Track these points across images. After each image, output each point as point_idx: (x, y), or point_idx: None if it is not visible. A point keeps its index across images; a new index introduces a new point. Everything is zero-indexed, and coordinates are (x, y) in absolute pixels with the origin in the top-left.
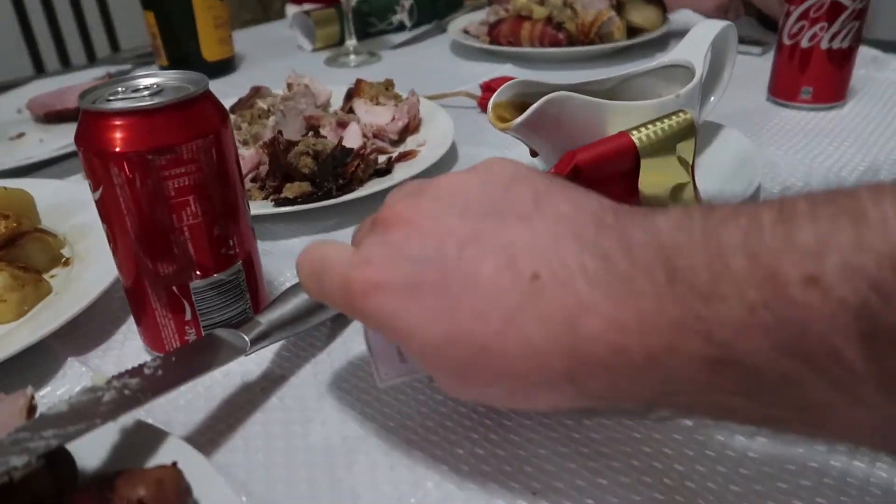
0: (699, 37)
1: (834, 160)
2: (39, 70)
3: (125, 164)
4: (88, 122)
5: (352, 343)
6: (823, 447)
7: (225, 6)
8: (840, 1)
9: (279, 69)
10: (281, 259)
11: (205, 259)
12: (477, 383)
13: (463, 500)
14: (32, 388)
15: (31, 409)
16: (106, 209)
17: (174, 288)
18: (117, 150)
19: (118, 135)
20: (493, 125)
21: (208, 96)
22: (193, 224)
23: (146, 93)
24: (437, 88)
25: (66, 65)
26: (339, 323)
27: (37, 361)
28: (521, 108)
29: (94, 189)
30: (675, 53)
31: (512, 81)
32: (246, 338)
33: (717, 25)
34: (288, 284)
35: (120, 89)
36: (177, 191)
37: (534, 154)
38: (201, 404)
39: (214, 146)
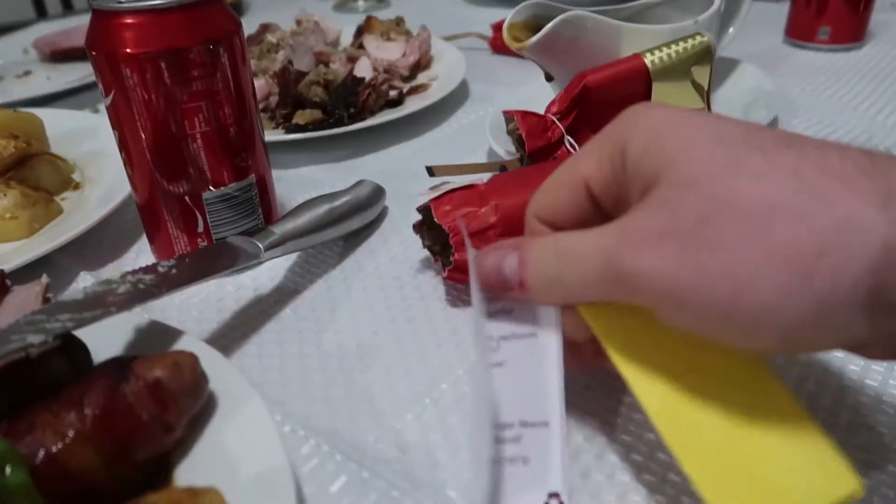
0: None
1: (854, 96)
2: (41, 13)
3: (135, 64)
4: (99, 23)
5: (364, 261)
6: None
7: None
8: None
9: (287, 13)
10: (293, 186)
11: (217, 169)
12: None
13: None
14: (47, 277)
15: (46, 298)
16: (117, 115)
17: (187, 199)
18: (128, 50)
19: (129, 35)
20: (508, 45)
21: (220, 2)
22: (206, 132)
23: None
24: (447, 32)
25: (67, 8)
26: (352, 243)
27: (51, 276)
28: (537, 30)
29: (105, 94)
30: None
31: (528, 2)
32: (259, 245)
33: None
34: None
35: None
36: (189, 96)
37: (549, 78)
38: (214, 315)
39: (227, 52)
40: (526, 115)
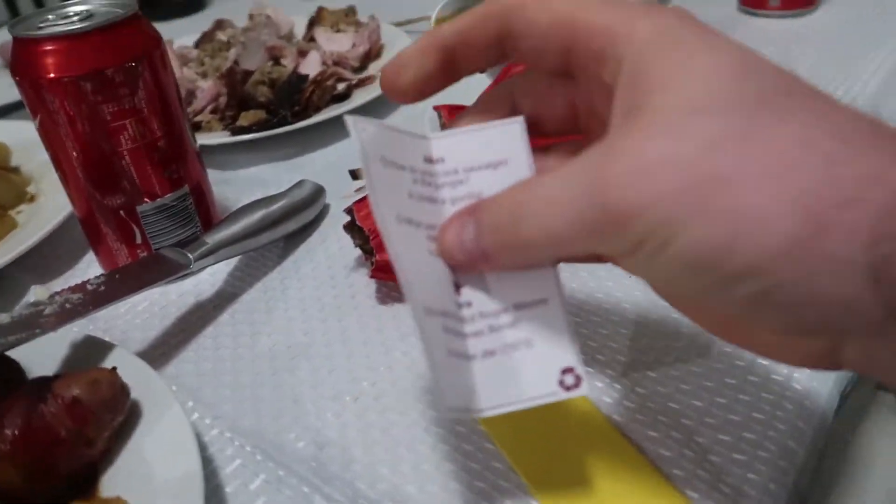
0: None
1: (807, 66)
2: (14, 13)
3: (58, 89)
4: (20, 50)
5: (301, 262)
6: None
7: None
8: None
9: (250, 3)
10: (240, 187)
11: (149, 183)
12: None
13: (395, 396)
14: None
15: None
16: (47, 136)
17: (122, 213)
18: (50, 75)
19: (48, 60)
20: None
21: (138, 20)
22: (134, 147)
23: (76, 18)
24: (408, 15)
25: (40, 6)
26: (292, 243)
27: (3, 290)
28: None
29: (33, 117)
30: None
31: None
32: (189, 255)
33: None
34: None
35: (50, 17)
36: (112, 115)
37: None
38: (156, 322)
39: (148, 70)
40: (453, 109)
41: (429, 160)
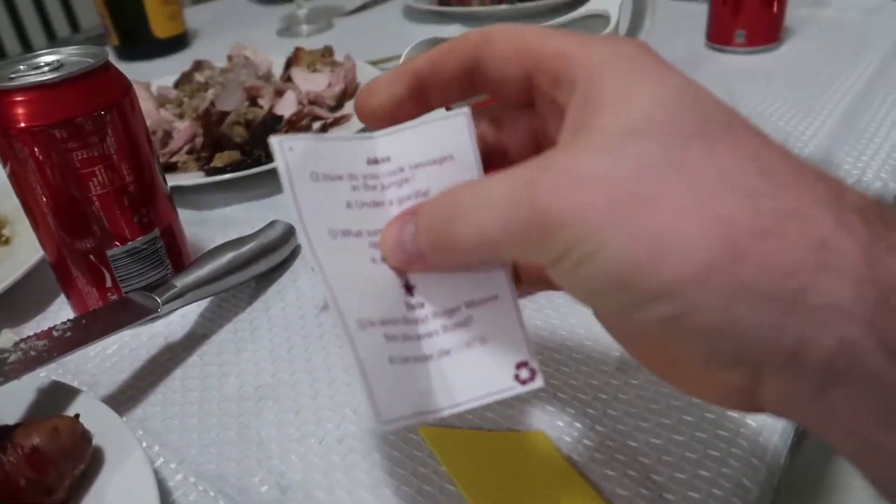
0: None
1: (771, 102)
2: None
3: (28, 138)
4: None
5: (272, 302)
6: None
7: None
8: None
9: (232, 39)
10: (213, 227)
11: (119, 227)
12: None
13: (359, 438)
14: None
15: None
16: (17, 183)
17: (92, 257)
18: (20, 125)
19: (18, 110)
20: None
21: (108, 69)
22: (103, 194)
23: (46, 69)
24: (387, 53)
25: (26, 47)
26: (263, 283)
27: None
28: None
29: (3, 164)
30: (593, 3)
31: (425, 38)
32: (158, 299)
33: None
34: None
35: (22, 67)
36: (82, 162)
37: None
38: (126, 365)
39: (118, 117)
40: None
41: (373, 161)
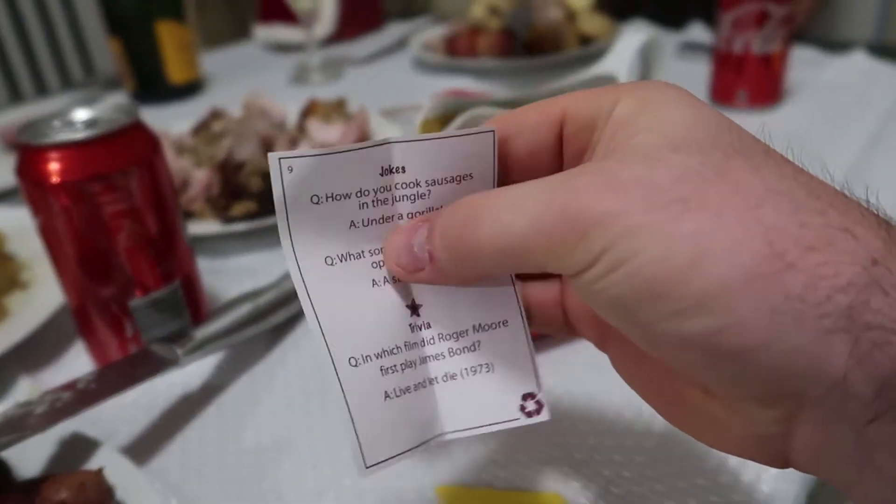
0: (624, 48)
1: None
2: (15, 97)
3: (61, 193)
4: (26, 155)
5: (288, 353)
6: None
7: (189, 30)
8: (766, 10)
9: (245, 89)
10: (230, 277)
11: (142, 279)
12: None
13: (376, 494)
14: None
15: None
16: (46, 235)
17: (114, 307)
18: (53, 181)
19: (53, 166)
20: None
21: (139, 127)
22: (129, 246)
23: (80, 125)
24: (397, 103)
25: (41, 89)
26: (279, 333)
27: None
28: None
29: (34, 215)
30: (602, 65)
31: (442, 99)
32: (178, 351)
33: (641, 36)
34: None
35: (56, 123)
36: (111, 216)
37: None
38: (142, 416)
39: (146, 173)
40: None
41: (387, 170)
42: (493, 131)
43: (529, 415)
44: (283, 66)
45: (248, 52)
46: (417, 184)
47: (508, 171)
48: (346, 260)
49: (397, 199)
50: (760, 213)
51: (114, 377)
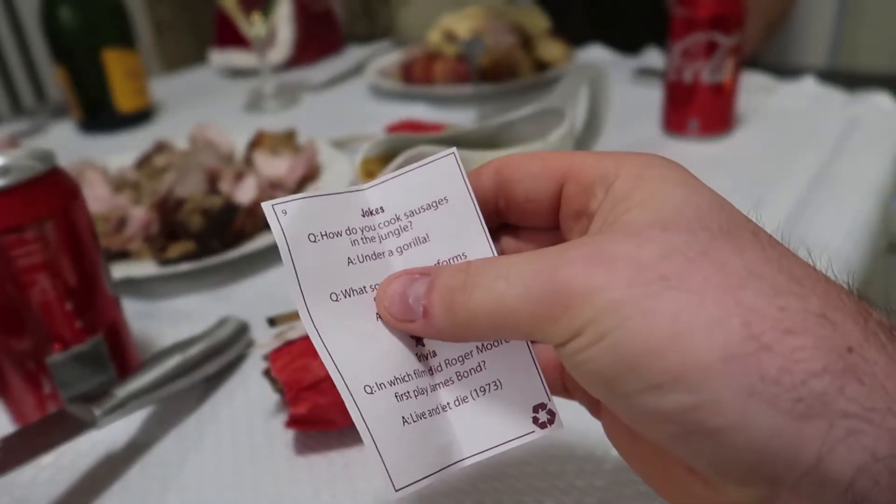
0: (571, 82)
1: (721, 189)
2: None
3: None
4: None
5: (220, 406)
6: None
7: (138, 57)
8: (715, 40)
9: (198, 117)
10: (165, 321)
11: (60, 333)
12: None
13: None
14: None
15: None
16: None
17: (30, 363)
18: None
19: None
20: (361, 180)
21: (55, 174)
22: (45, 300)
23: None
24: (351, 131)
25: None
26: (212, 384)
27: None
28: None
29: None
30: (550, 99)
31: (382, 137)
32: (96, 411)
33: (588, 71)
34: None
35: None
36: (24, 269)
37: None
38: (62, 478)
39: (63, 223)
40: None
41: (367, 213)
42: (453, 153)
43: (543, 426)
44: (238, 92)
45: (204, 77)
46: (398, 218)
47: (507, 212)
48: (349, 295)
49: (383, 236)
50: (740, 295)
51: (23, 444)
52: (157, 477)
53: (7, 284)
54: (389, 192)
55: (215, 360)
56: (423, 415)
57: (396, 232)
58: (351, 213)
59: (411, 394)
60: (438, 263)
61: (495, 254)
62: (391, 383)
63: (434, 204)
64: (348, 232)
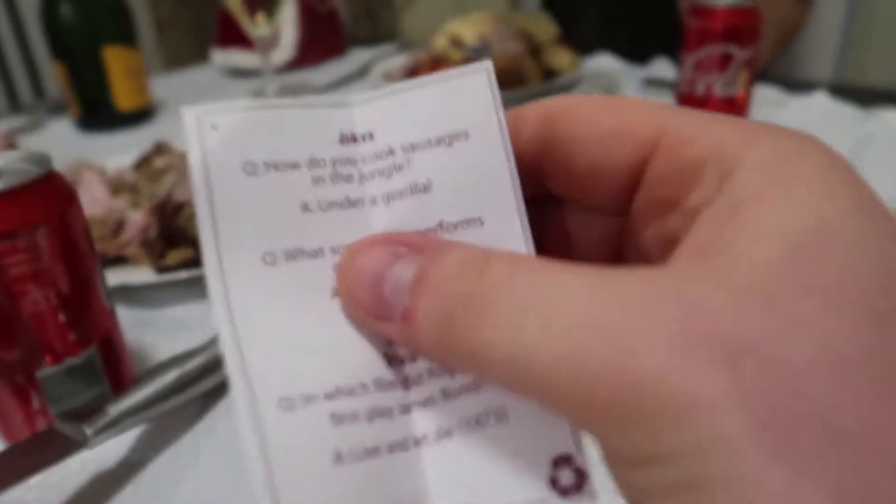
0: (582, 92)
1: None
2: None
3: None
4: None
5: (218, 421)
6: None
7: (139, 55)
8: (729, 53)
9: None
10: (161, 329)
11: (52, 346)
12: None
13: None
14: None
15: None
16: None
17: (19, 377)
18: None
19: None
20: None
21: (51, 178)
22: (37, 311)
23: None
24: None
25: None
26: (206, 403)
27: None
28: None
29: None
30: None
31: None
32: (87, 430)
33: (599, 80)
34: (168, 356)
35: None
36: (16, 278)
37: None
38: (51, 498)
39: (57, 230)
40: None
41: (348, 138)
42: (487, 70)
43: (565, 492)
44: (239, 92)
45: (205, 76)
46: (391, 152)
47: (554, 180)
48: (295, 259)
49: (365, 175)
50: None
51: (10, 465)
52: (151, 497)
53: None
54: (386, 112)
55: (214, 375)
56: (375, 450)
57: (386, 172)
58: (322, 137)
59: (360, 415)
60: (440, 227)
61: (528, 240)
62: (329, 396)
63: (447, 139)
64: (312, 164)
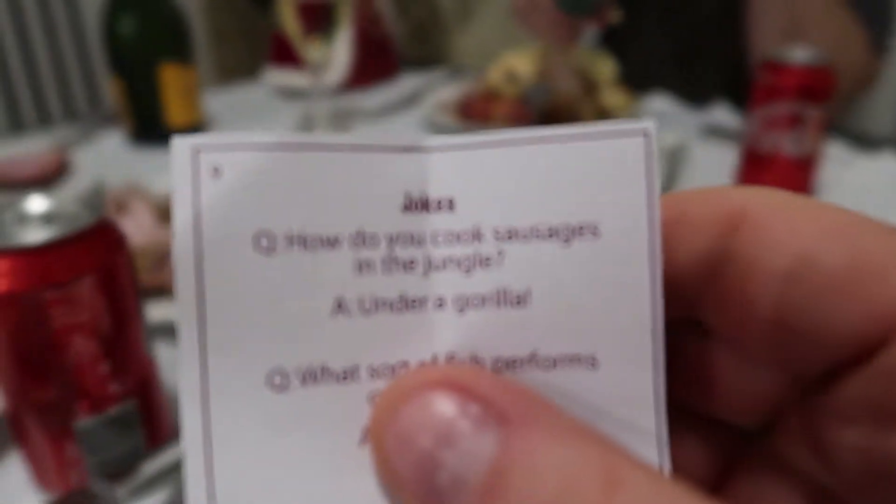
0: None
1: None
2: (17, 125)
3: (5, 304)
4: None
5: None
6: None
7: (194, 71)
8: (800, 111)
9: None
10: None
11: (91, 395)
12: None
13: None
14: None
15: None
16: None
17: (56, 425)
18: None
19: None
20: None
21: (102, 225)
22: (79, 363)
23: (36, 220)
24: None
25: (44, 119)
26: None
27: None
28: None
29: None
30: None
31: None
32: (118, 493)
33: (664, 141)
34: None
35: (8, 216)
36: (62, 329)
37: None
38: None
39: (105, 280)
40: None
41: (417, 205)
42: (645, 133)
43: None
44: (290, 112)
45: (257, 94)
46: (478, 235)
47: (717, 311)
48: (316, 381)
49: (435, 263)
50: None
51: None
52: None
53: (41, 344)
54: (479, 172)
55: None
56: None
57: (466, 263)
58: (379, 198)
59: None
60: (532, 361)
61: (661, 412)
62: None
63: (566, 231)
64: (358, 241)
